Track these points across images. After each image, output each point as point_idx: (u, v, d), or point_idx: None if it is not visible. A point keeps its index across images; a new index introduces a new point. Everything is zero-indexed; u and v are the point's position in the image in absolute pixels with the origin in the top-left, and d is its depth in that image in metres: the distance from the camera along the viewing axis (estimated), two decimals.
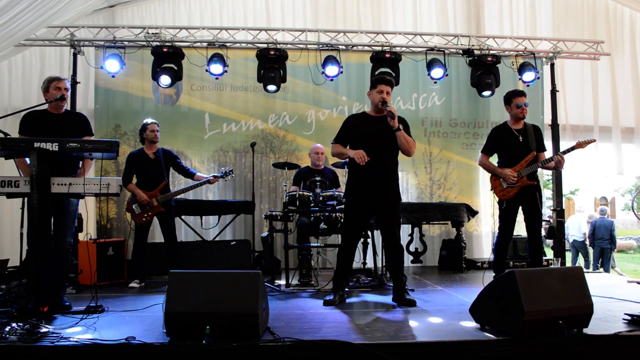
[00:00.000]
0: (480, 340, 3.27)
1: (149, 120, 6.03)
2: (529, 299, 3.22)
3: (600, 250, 10.93)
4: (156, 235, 6.78)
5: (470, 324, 3.64)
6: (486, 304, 3.55)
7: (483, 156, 5.50)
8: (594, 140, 5.23)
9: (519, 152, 5.22)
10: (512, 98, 5.30)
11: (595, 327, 3.49)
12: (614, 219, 12.89)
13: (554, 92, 7.96)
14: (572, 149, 5.17)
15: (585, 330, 3.42)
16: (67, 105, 4.76)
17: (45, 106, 4.62)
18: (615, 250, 11.65)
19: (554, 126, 7.87)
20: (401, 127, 4.55)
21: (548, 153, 5.43)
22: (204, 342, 3.04)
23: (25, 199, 4.15)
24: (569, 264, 10.61)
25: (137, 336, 3.19)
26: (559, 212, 7.80)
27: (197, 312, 3.16)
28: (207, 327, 3.08)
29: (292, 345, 3.10)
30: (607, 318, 3.82)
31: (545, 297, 3.29)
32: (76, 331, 3.45)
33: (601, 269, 10.53)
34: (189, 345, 3.05)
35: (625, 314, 3.77)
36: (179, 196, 6.18)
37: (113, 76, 7.27)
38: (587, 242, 11.27)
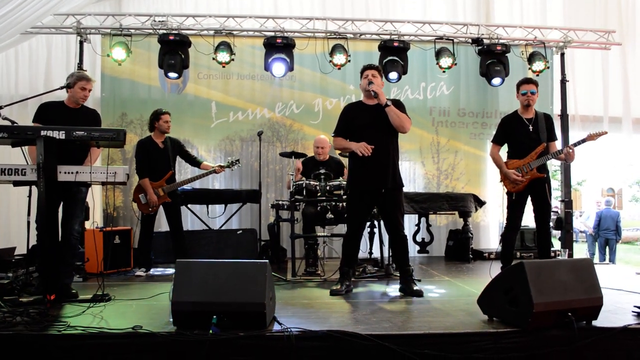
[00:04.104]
0: (488, 332, 3.24)
1: (163, 110, 5.96)
2: (539, 290, 3.18)
3: (605, 241, 10.92)
4: (163, 223, 6.77)
5: (478, 315, 3.61)
6: (494, 296, 3.52)
7: (493, 146, 5.43)
8: (606, 133, 5.14)
9: (529, 143, 5.14)
10: (520, 85, 5.27)
11: (605, 319, 3.44)
12: (620, 210, 12.82)
13: (563, 82, 7.89)
14: (583, 141, 5.10)
15: (594, 323, 3.39)
16: None
17: (64, 97, 4.65)
18: (620, 241, 11.60)
19: (564, 116, 7.80)
20: (389, 102, 4.53)
21: (558, 144, 5.36)
22: (210, 331, 3.02)
23: (32, 187, 4.17)
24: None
25: (143, 325, 3.19)
26: (567, 203, 7.75)
27: (204, 301, 3.15)
28: (214, 316, 3.07)
29: (299, 335, 3.08)
30: (616, 310, 3.78)
31: (554, 289, 3.25)
32: (83, 320, 3.44)
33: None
34: (195, 334, 3.04)
35: (635, 306, 3.73)
36: (185, 185, 6.17)
37: (120, 64, 7.26)
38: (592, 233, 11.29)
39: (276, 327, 3.24)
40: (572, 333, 3.17)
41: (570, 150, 5.06)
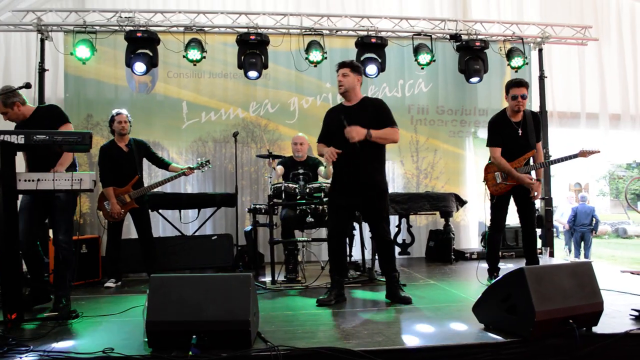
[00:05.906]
0: (487, 343, 3.07)
1: (117, 111, 5.64)
2: (540, 298, 3.02)
3: (580, 236, 10.98)
4: (132, 230, 6.43)
5: (474, 324, 3.43)
6: (491, 303, 3.34)
7: (495, 150, 4.99)
8: (598, 152, 5.03)
9: (517, 148, 4.92)
10: (509, 88, 4.90)
11: (604, 324, 3.31)
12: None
13: (542, 78, 7.82)
14: (575, 156, 4.98)
15: (594, 329, 3.25)
16: (34, 95, 4.39)
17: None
18: (595, 233, 11.68)
19: (542, 113, 7.71)
20: (371, 133, 4.20)
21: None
22: (190, 353, 2.77)
23: None
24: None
25: (115, 347, 2.92)
26: (547, 200, 7.69)
27: (182, 320, 2.88)
28: (194, 336, 2.82)
29: (287, 354, 2.85)
30: (613, 314, 3.64)
31: (555, 295, 3.10)
32: (48, 342, 3.13)
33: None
34: (173, 357, 2.79)
35: (632, 309, 3.61)
36: (155, 189, 5.86)
37: (84, 63, 6.88)
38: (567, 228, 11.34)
39: (262, 345, 2.99)
40: (574, 341, 3.02)
41: (538, 183, 4.93)
